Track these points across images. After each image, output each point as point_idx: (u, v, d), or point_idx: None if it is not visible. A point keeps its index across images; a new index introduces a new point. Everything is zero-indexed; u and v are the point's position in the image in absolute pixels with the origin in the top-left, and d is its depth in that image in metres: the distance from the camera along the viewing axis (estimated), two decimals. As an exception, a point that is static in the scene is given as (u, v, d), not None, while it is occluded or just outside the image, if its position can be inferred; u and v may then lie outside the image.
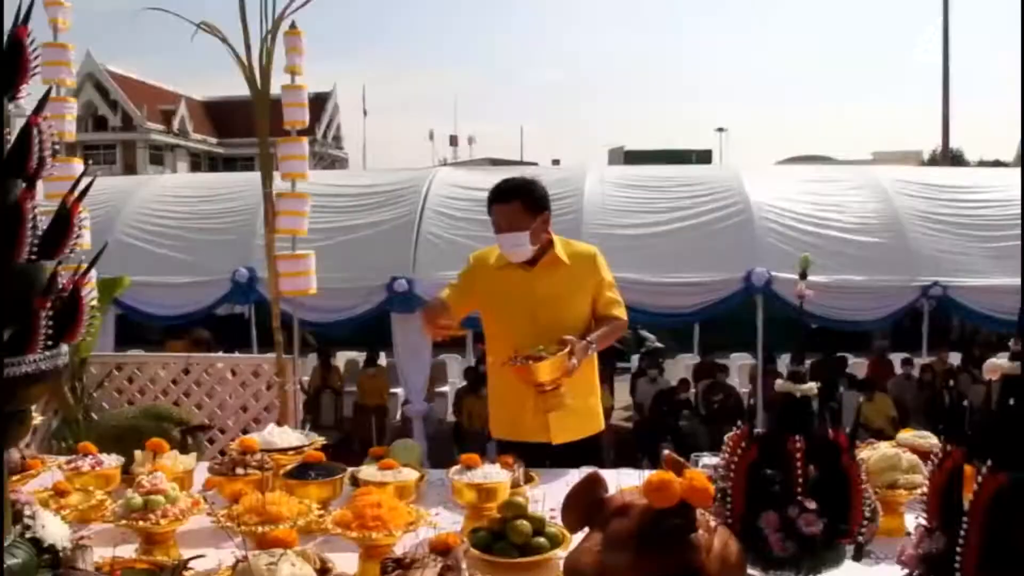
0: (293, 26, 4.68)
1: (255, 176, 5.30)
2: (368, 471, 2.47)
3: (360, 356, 11.00)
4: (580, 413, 3.30)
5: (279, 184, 4.89)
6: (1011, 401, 1.44)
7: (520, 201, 3.32)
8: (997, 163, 36.17)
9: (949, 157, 26.27)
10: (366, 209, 9.26)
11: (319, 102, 45.04)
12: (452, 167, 14.23)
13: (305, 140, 4.86)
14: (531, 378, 3.03)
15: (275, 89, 4.82)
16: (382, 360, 10.47)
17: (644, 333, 12.25)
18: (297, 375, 5.40)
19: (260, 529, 1.98)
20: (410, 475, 2.45)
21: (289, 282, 4.73)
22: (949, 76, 22.97)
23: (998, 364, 1.49)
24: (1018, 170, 21.13)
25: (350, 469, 2.60)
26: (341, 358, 11.55)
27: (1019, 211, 8.86)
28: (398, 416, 9.84)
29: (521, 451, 2.80)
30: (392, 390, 10.09)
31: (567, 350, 3.02)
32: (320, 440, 2.79)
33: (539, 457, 2.95)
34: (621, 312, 3.42)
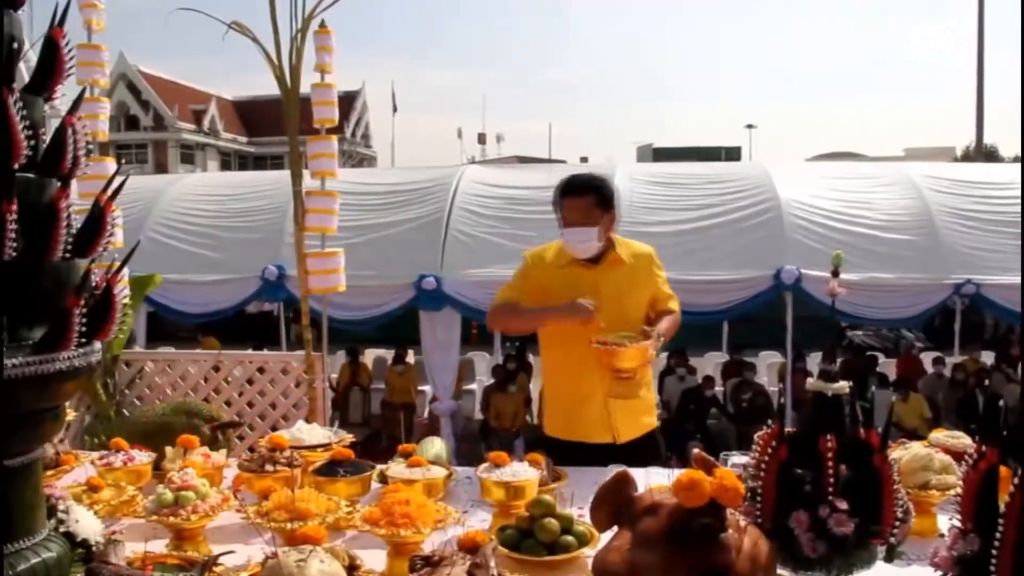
0: (323, 25, 4.70)
1: (285, 174, 5.35)
2: (396, 468, 2.47)
3: (388, 353, 11.04)
4: (640, 408, 3.33)
5: (309, 182, 4.92)
6: (1047, 401, 1.42)
7: (593, 196, 3.33)
8: (1032, 159, 35.66)
9: (983, 153, 25.93)
10: (395, 207, 9.29)
11: (348, 100, 45.18)
12: (480, 165, 14.25)
13: (334, 138, 4.88)
14: (615, 363, 3.04)
15: (305, 88, 4.84)
16: (410, 358, 10.51)
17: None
18: (326, 372, 5.42)
19: (289, 526, 1.99)
20: (438, 473, 2.45)
21: (318, 279, 4.75)
22: (984, 71, 22.70)
23: (1034, 363, 1.46)
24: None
25: (378, 466, 2.61)
26: (369, 355, 11.60)
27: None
28: (426, 414, 9.86)
29: (580, 452, 2.80)
30: (420, 388, 10.13)
31: (652, 340, 3.07)
32: (349, 437, 2.80)
33: (599, 457, 2.85)
34: (677, 305, 3.49)
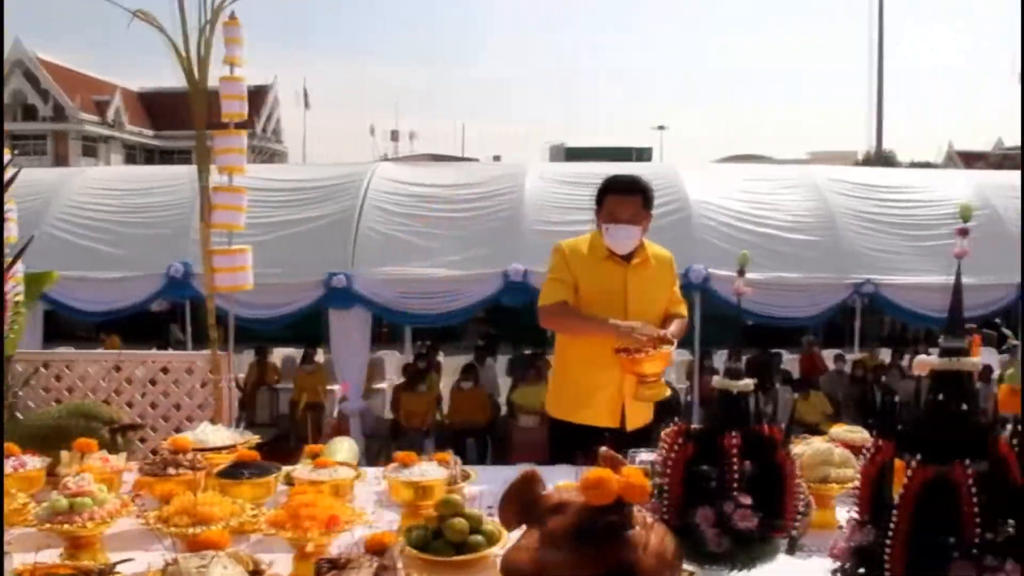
0: (232, 16, 4.59)
1: (191, 169, 5.21)
2: (303, 470, 2.44)
3: (297, 353, 10.88)
4: (647, 403, 3.50)
5: (216, 178, 4.80)
6: (939, 396, 1.47)
7: (641, 196, 3.55)
8: (927, 165, 37.14)
9: (882, 158, 26.87)
10: (305, 204, 9.16)
11: (259, 95, 44.39)
12: (393, 162, 14.11)
13: (243, 133, 4.77)
14: (640, 369, 3.24)
15: (213, 81, 4.72)
16: (319, 357, 10.36)
17: None
18: (232, 372, 5.30)
19: (191, 531, 1.93)
20: (346, 474, 2.42)
21: (225, 277, 4.64)
22: (883, 79, 23.49)
23: (927, 360, 1.51)
24: (945, 172, 21.67)
25: (285, 468, 2.56)
26: (278, 355, 11.42)
27: (946, 211, 9.12)
28: (335, 413, 9.74)
29: (584, 434, 2.94)
30: (329, 387, 10.00)
31: (672, 346, 3.30)
32: (254, 438, 2.74)
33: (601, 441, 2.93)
34: (685, 310, 3.73)
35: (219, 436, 2.69)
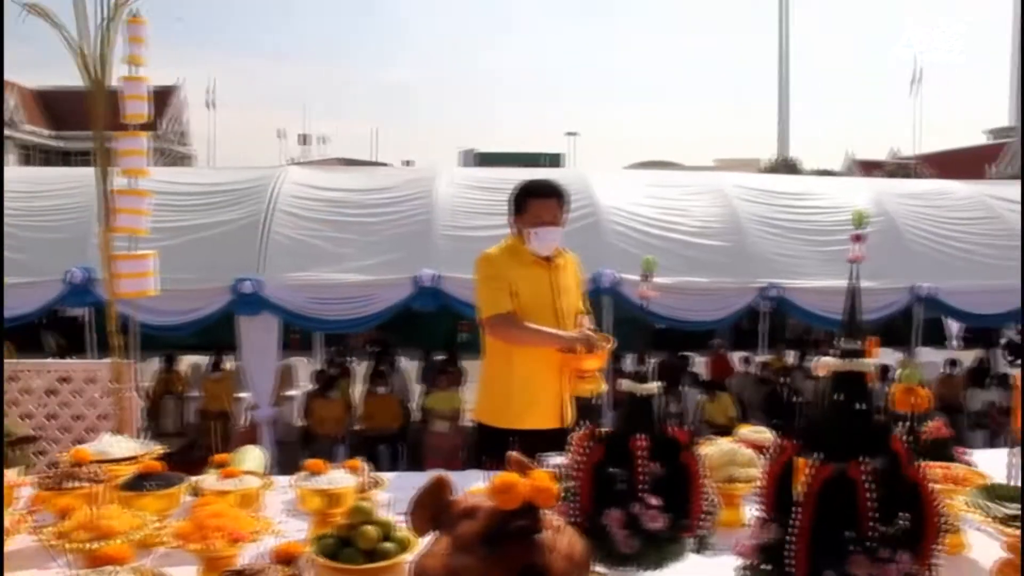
0: (135, 14, 4.48)
1: (92, 172, 5.05)
2: (209, 480, 2.38)
3: (205, 360, 10.65)
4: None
5: (118, 181, 4.67)
6: (837, 396, 1.51)
7: (559, 198, 3.69)
8: (829, 172, 38.34)
9: (786, 165, 27.63)
10: (212, 208, 8.95)
11: (164, 96, 43.27)
12: (302, 166, 13.92)
13: (146, 135, 4.66)
14: (581, 365, 3.39)
15: (116, 80, 4.59)
16: (228, 364, 10.16)
17: None
18: (136, 381, 5.16)
19: (91, 546, 1.87)
20: (253, 483, 2.38)
21: (128, 283, 4.53)
22: (788, 88, 24.13)
23: (827, 361, 1.56)
24: (845, 179, 22.39)
25: (191, 478, 2.50)
26: (185, 362, 11.16)
27: (846, 217, 9.41)
28: (245, 421, 9.56)
29: (524, 439, 2.96)
30: (238, 394, 9.81)
31: (612, 344, 3.42)
32: (159, 449, 2.67)
33: (544, 442, 2.88)
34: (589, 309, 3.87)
35: (122, 447, 2.61)
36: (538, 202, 3.64)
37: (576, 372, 3.45)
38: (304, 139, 52.39)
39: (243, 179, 9.51)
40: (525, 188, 3.72)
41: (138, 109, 4.56)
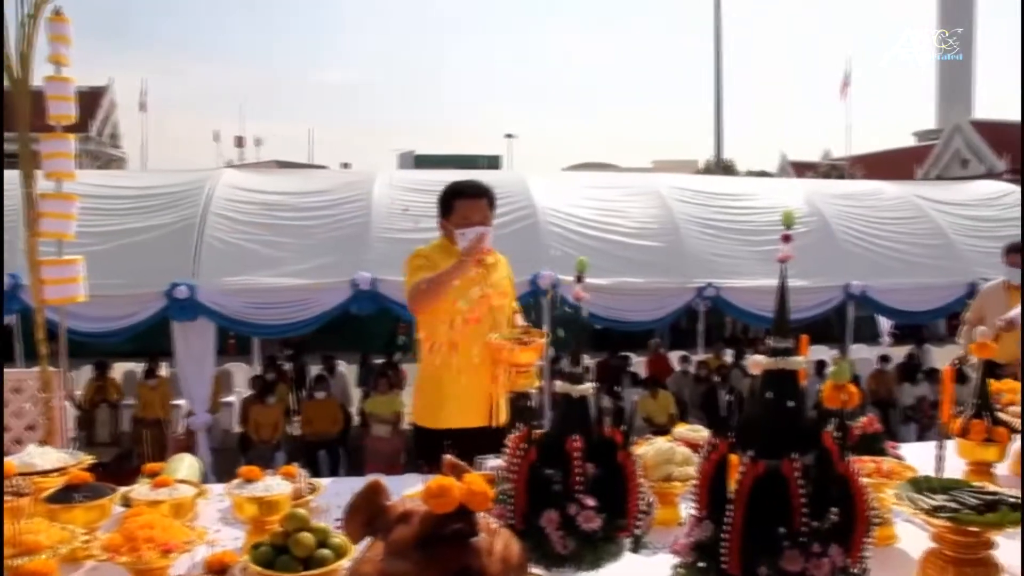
0: (58, 12, 4.37)
1: (15, 175, 4.91)
2: (141, 490, 2.33)
3: (139, 367, 10.44)
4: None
5: (43, 184, 4.55)
6: (769, 395, 1.53)
7: (487, 199, 3.69)
8: (763, 173, 38.98)
9: (721, 166, 28.01)
10: (144, 212, 8.78)
11: (93, 97, 42.21)
12: (238, 169, 13.70)
13: (72, 137, 4.56)
14: (515, 359, 3.35)
15: (39, 81, 4.48)
16: (163, 371, 9.97)
17: None
18: (67, 389, 5.03)
19: (15, 562, 1.81)
20: (187, 492, 2.33)
21: (55, 289, 4.42)
22: (722, 91, 24.47)
23: (758, 360, 1.57)
24: (779, 180, 22.76)
25: (122, 489, 2.44)
26: (119, 369, 10.93)
27: (778, 218, 9.57)
28: (181, 429, 9.39)
29: (458, 438, 2.98)
30: (174, 401, 9.63)
31: (544, 338, 3.39)
32: (88, 459, 2.60)
33: (478, 441, 2.88)
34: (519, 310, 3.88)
35: (48, 458, 2.53)
36: (466, 202, 3.64)
37: (511, 367, 3.45)
38: (240, 141, 51.57)
39: (176, 182, 9.35)
40: (452, 189, 3.74)
41: (63, 110, 4.46)
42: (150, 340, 8.80)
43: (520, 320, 3.74)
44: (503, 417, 3.65)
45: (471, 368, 3.56)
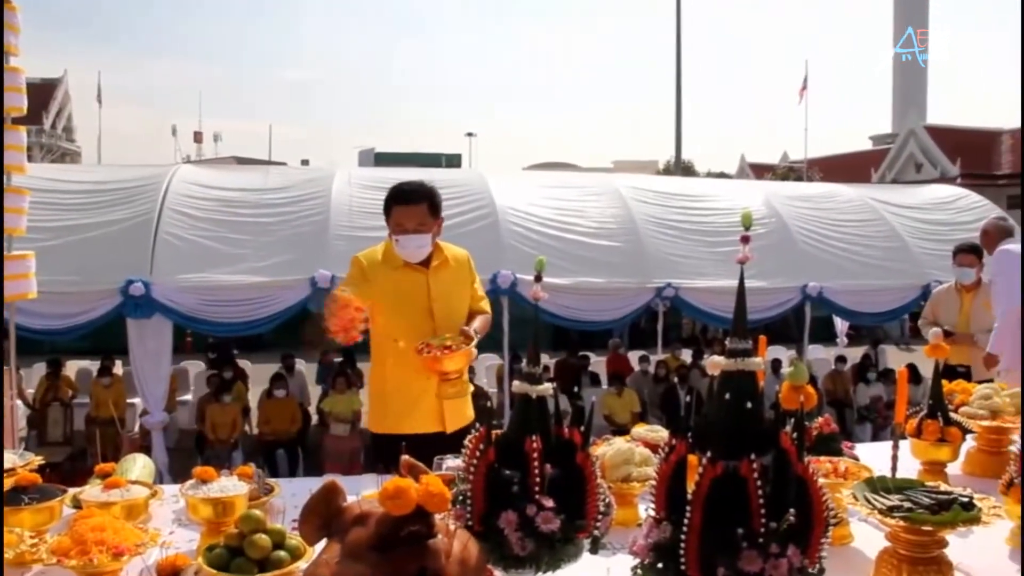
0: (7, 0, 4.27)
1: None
2: (92, 491, 2.28)
3: (93, 365, 10.27)
4: (464, 401, 3.63)
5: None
6: (727, 395, 1.53)
7: (427, 204, 3.56)
8: (722, 175, 39.35)
9: (681, 167, 28.21)
10: (99, 207, 8.64)
11: (47, 89, 41.57)
12: (195, 165, 13.55)
13: (23, 129, 4.46)
14: (441, 367, 3.30)
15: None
16: (118, 369, 9.82)
17: None
18: (17, 388, 4.94)
19: (-40, 564, 1.78)
20: (139, 493, 2.29)
21: (4, 286, 4.32)
22: (682, 93, 24.65)
23: (716, 361, 1.58)
24: (738, 182, 22.98)
25: (72, 490, 2.39)
26: (72, 367, 10.75)
27: (737, 219, 9.66)
28: (136, 428, 9.26)
29: (411, 443, 2.84)
30: (129, 400, 9.49)
31: (474, 343, 3.35)
32: (37, 459, 2.54)
33: (431, 446, 2.78)
34: (487, 306, 3.80)
35: (-5, 459, 2.48)
36: (400, 208, 3.55)
37: (438, 375, 3.38)
38: (198, 137, 51.01)
39: (132, 177, 9.22)
40: (391, 193, 3.63)
41: (14, 102, 4.36)
42: (105, 338, 8.66)
43: (479, 321, 3.61)
44: (458, 422, 3.56)
45: (408, 373, 3.46)
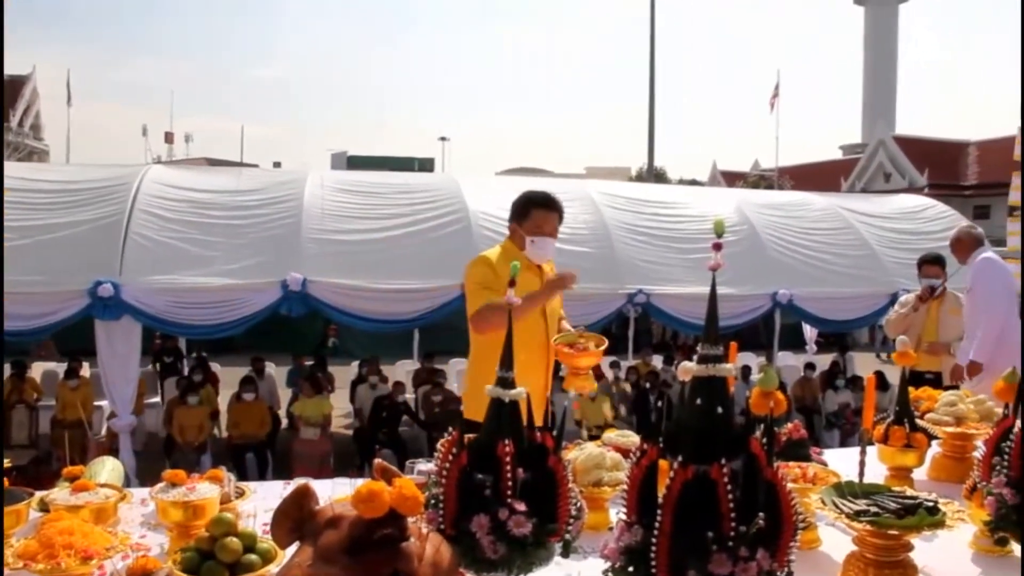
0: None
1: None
2: (59, 494, 2.26)
3: (60, 366, 10.16)
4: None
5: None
6: (698, 401, 1.55)
7: (559, 213, 4.03)
8: (694, 182, 39.58)
9: (654, 174, 28.35)
10: (68, 207, 8.54)
11: (14, 86, 41.03)
12: (166, 165, 13.43)
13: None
14: (578, 362, 3.54)
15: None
16: (85, 371, 9.71)
17: None
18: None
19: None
20: (108, 496, 2.27)
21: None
22: (655, 100, 24.76)
23: (688, 367, 1.59)
24: (710, 189, 23.11)
25: (39, 493, 2.37)
26: (38, 369, 10.62)
27: (710, 226, 9.74)
28: (103, 431, 9.16)
29: None
30: (96, 403, 9.39)
31: (605, 344, 3.59)
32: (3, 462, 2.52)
33: None
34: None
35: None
36: (542, 213, 3.93)
37: (571, 369, 3.60)
38: (169, 137, 50.50)
39: (102, 177, 9.13)
40: (531, 198, 4.00)
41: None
42: (72, 339, 8.58)
43: (568, 325, 4.01)
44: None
45: (525, 370, 3.61)
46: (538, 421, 3.73)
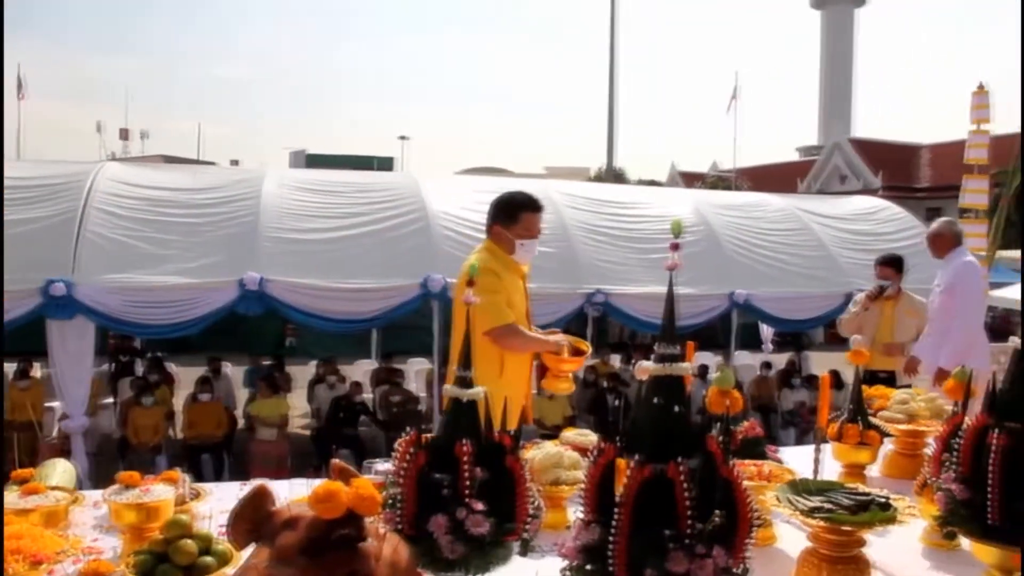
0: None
1: None
2: (9, 498, 2.22)
3: (10, 367, 9.96)
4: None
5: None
6: (656, 400, 1.56)
7: (541, 213, 4.07)
8: (653, 182, 39.80)
9: (613, 175, 28.48)
10: (19, 204, 8.34)
11: (-37, 83, 40.20)
12: (121, 163, 13.21)
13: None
14: (563, 366, 3.78)
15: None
16: (36, 371, 9.53)
17: None
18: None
19: None
20: (59, 499, 2.23)
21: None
22: (614, 100, 24.87)
23: (646, 366, 1.60)
24: (668, 189, 23.27)
25: (-12, 496, 2.33)
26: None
27: (667, 226, 9.80)
28: (55, 432, 9.00)
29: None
30: (48, 404, 9.22)
31: (590, 351, 3.89)
32: (-48, 464, 2.47)
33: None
34: None
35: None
36: (532, 216, 3.95)
37: (555, 372, 3.78)
38: (125, 134, 49.77)
39: (55, 174, 8.95)
40: (520, 201, 4.00)
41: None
42: (23, 339, 8.40)
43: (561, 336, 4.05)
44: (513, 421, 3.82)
45: (519, 373, 3.98)
46: (516, 421, 3.84)
